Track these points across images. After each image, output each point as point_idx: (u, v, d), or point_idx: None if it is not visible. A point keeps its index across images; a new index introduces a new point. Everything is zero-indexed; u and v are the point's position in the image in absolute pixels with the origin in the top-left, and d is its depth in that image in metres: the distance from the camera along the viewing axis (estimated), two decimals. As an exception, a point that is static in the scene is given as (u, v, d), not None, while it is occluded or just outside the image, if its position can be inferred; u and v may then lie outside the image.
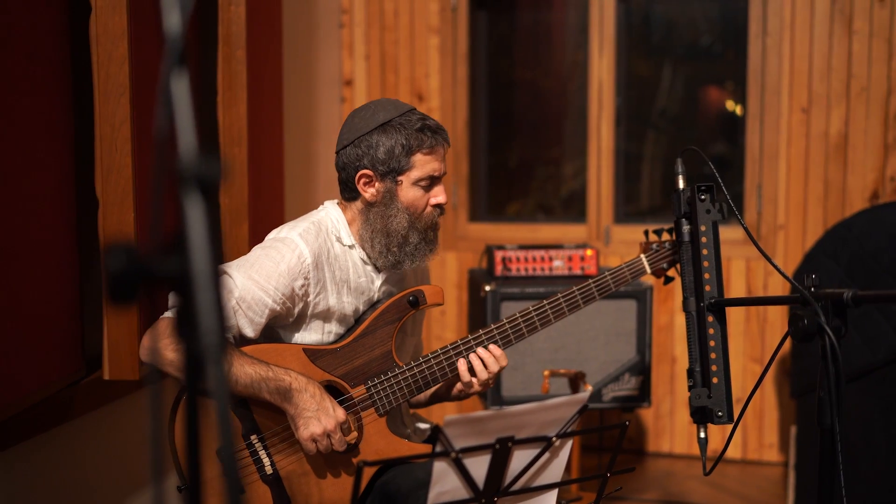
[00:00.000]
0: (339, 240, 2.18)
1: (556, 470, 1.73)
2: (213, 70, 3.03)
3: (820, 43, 4.06)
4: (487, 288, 3.19)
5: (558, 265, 3.30)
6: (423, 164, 2.17)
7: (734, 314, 4.16)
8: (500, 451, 1.60)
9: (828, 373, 1.66)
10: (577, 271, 3.31)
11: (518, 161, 4.88)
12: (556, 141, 4.82)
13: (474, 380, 2.23)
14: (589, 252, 3.36)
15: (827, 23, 4.05)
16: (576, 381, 2.89)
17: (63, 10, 2.39)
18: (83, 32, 2.40)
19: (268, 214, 3.48)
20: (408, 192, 2.17)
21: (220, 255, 0.71)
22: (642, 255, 2.45)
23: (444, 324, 4.45)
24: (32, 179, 2.29)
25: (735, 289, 4.17)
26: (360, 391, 2.15)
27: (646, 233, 2.52)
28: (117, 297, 0.70)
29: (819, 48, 4.06)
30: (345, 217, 2.22)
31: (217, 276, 0.70)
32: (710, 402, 2.14)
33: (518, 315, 2.31)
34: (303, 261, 2.08)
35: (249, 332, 2.07)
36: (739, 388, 4.15)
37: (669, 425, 4.27)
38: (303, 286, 2.09)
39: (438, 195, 2.22)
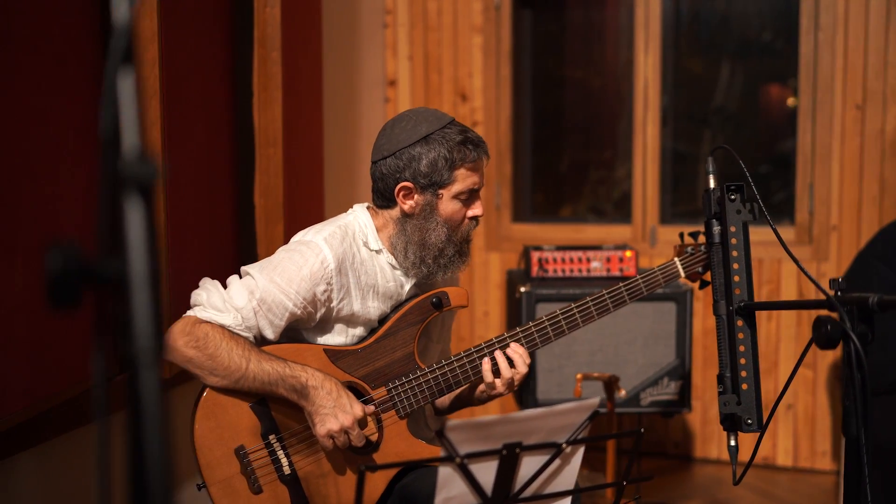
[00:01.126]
0: (366, 244, 2.17)
1: (568, 477, 1.69)
2: (249, 71, 3.05)
3: (875, 38, 3.92)
4: (522, 289, 3.15)
5: (596, 266, 3.24)
6: (464, 178, 2.14)
7: (785, 318, 4.04)
8: (508, 458, 1.57)
9: (853, 381, 1.58)
10: (616, 273, 3.25)
11: (570, 162, 4.82)
12: (609, 142, 4.74)
13: (498, 380, 2.19)
14: (628, 253, 3.29)
15: (882, 17, 3.91)
16: (610, 385, 2.83)
17: (96, 13, 2.43)
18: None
19: (306, 215, 3.50)
20: (447, 205, 2.15)
21: (157, 258, 0.70)
22: (676, 259, 2.39)
23: (487, 325, 4.42)
24: (65, 181, 2.33)
25: (787, 291, 4.06)
26: (381, 393, 2.14)
27: (681, 235, 2.45)
28: (57, 299, 0.69)
29: (875, 43, 3.92)
30: (374, 222, 2.20)
31: (155, 279, 0.68)
32: (740, 409, 2.07)
33: (545, 318, 2.27)
34: (326, 266, 2.07)
35: (269, 334, 2.07)
36: (791, 394, 4.04)
37: (717, 431, 4.17)
38: (325, 291, 2.08)
39: (477, 209, 2.19)
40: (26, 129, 2.20)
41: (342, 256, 2.10)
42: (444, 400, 2.37)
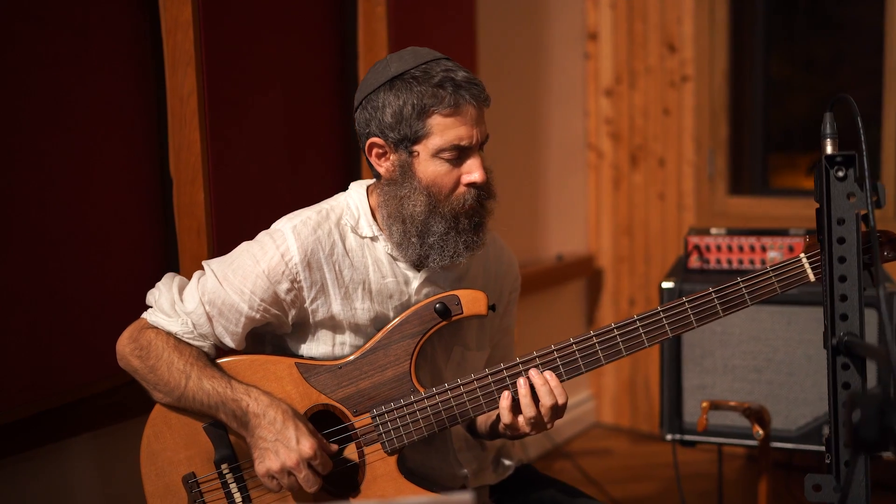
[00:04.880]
0: (354, 230, 1.75)
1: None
2: (354, 29, 2.71)
3: None
4: (664, 285, 2.51)
5: (774, 257, 2.51)
6: (443, 130, 1.66)
7: None
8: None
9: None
10: (800, 267, 2.48)
11: (808, 125, 3.92)
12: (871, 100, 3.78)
13: (520, 419, 1.68)
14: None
15: None
16: (753, 418, 2.14)
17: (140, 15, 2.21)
18: (153, -1, 2.21)
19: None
20: (427, 166, 1.68)
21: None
22: (803, 256, 1.70)
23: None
24: (109, 158, 2.16)
25: None
26: (365, 421, 1.72)
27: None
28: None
29: None
30: (369, 202, 1.77)
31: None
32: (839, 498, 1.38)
33: (592, 334, 1.70)
34: (288, 260, 1.68)
35: (229, 342, 1.73)
36: None
37: None
38: (290, 291, 1.70)
39: (472, 171, 1.69)
40: (41, 126, 2.04)
41: (312, 248, 1.69)
42: (482, 420, 1.89)
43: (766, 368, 2.46)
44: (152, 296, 1.75)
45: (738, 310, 1.70)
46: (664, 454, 3.62)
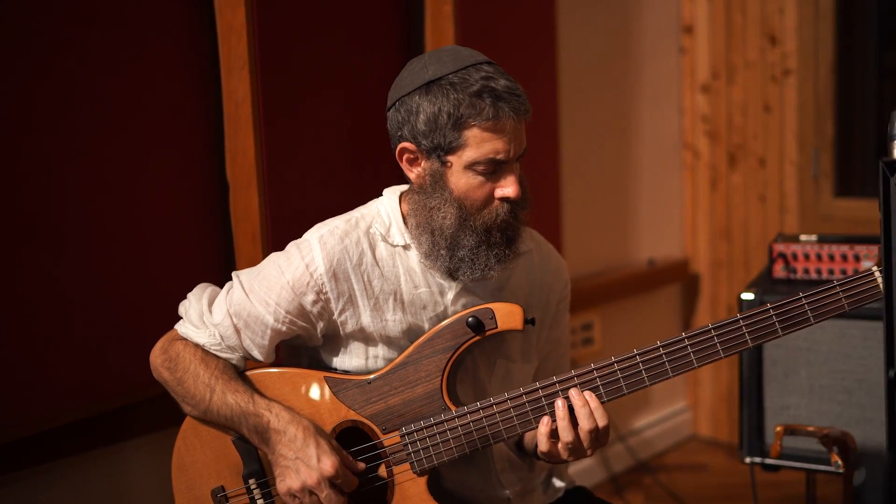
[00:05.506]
0: (385, 239, 1.68)
1: None
2: (421, 29, 2.64)
3: None
4: (744, 296, 2.34)
5: (867, 267, 2.28)
6: (479, 143, 1.57)
7: None
8: None
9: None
10: None
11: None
12: None
13: (559, 446, 1.57)
14: (921, 250, 2.27)
15: None
16: (832, 446, 1.93)
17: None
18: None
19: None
20: (459, 178, 1.59)
21: None
22: (875, 268, 1.54)
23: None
24: (168, 163, 2.18)
25: None
26: (394, 439, 1.64)
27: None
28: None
29: None
30: (402, 209, 1.70)
31: None
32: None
33: (636, 353, 1.58)
34: (312, 270, 1.63)
35: (257, 355, 1.69)
36: None
37: None
38: (316, 302, 1.64)
39: (506, 186, 1.60)
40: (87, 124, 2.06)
41: (338, 258, 1.63)
42: (529, 438, 1.77)
43: (857, 390, 2.25)
44: (183, 307, 1.73)
45: (800, 328, 1.55)
46: (764, 472, 3.40)
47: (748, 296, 2.33)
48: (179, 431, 1.72)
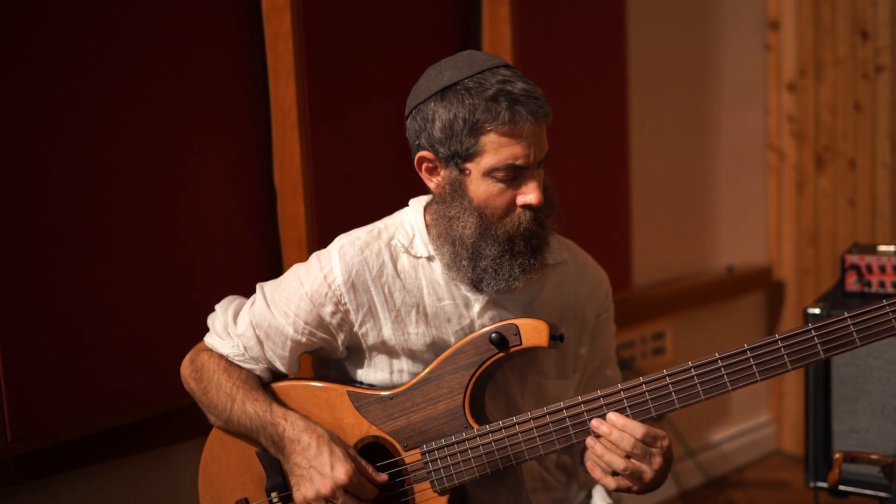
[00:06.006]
0: (408, 250, 1.64)
1: None
2: (478, 33, 2.59)
3: None
4: (810, 310, 2.19)
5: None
6: (496, 149, 1.51)
7: None
8: None
9: None
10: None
11: None
12: None
13: (597, 472, 1.50)
14: None
15: None
16: (892, 476, 1.79)
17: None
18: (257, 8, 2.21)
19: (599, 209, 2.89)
20: (479, 185, 1.55)
21: None
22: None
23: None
24: (217, 170, 2.19)
25: None
26: (415, 456, 1.60)
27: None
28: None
29: None
30: (425, 220, 1.66)
31: None
32: None
33: (665, 373, 1.50)
34: (331, 281, 1.60)
35: (280, 366, 1.68)
36: None
37: None
38: (335, 314, 1.61)
39: (528, 193, 1.54)
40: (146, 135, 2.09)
41: (357, 269, 1.60)
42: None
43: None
44: (210, 318, 1.73)
45: (845, 350, 1.43)
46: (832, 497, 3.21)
47: (815, 310, 2.19)
48: (206, 442, 1.72)
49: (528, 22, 2.58)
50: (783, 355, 1.45)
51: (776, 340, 1.45)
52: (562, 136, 2.72)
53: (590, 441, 1.50)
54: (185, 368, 1.71)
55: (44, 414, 1.94)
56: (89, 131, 2.00)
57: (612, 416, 1.49)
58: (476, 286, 1.59)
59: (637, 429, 1.48)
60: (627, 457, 1.47)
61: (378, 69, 2.34)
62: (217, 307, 1.73)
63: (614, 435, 1.48)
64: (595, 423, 1.49)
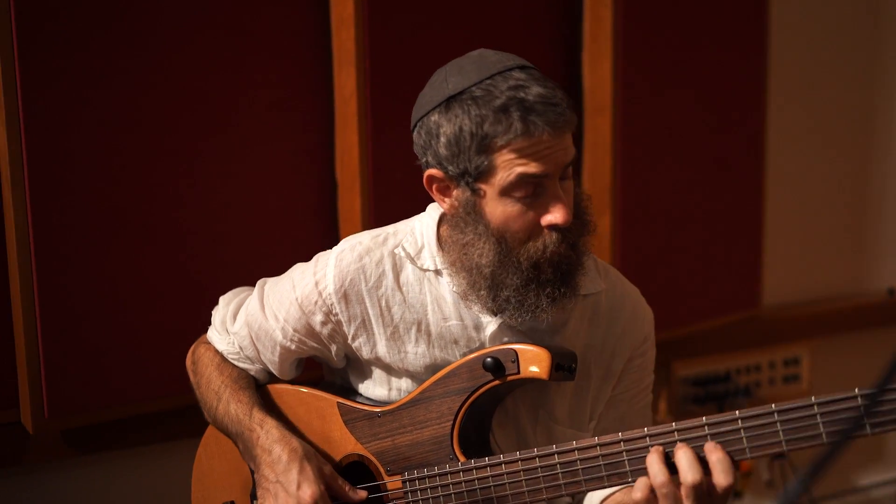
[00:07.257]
0: (414, 261, 1.47)
1: None
2: (580, 15, 2.37)
3: None
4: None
5: None
6: (510, 165, 1.32)
7: None
8: None
9: None
10: None
11: None
12: None
13: None
14: None
15: None
16: None
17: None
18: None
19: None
20: (495, 207, 1.36)
21: None
22: None
23: None
24: (277, 161, 2.13)
25: None
26: (396, 483, 1.45)
27: None
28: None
29: None
30: (439, 230, 1.48)
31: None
32: None
33: (740, 415, 1.24)
34: (322, 289, 1.46)
35: (273, 370, 1.57)
36: None
37: None
38: (326, 324, 1.48)
39: (553, 212, 1.34)
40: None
41: (352, 277, 1.46)
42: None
43: None
44: (214, 311, 1.65)
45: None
46: None
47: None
48: (202, 439, 1.66)
49: (633, 9, 2.33)
50: (819, 425, 1.17)
51: (812, 404, 1.18)
52: (677, 133, 2.46)
53: (654, 456, 1.25)
54: (188, 359, 1.66)
55: (82, 394, 1.95)
56: (150, 121, 1.98)
57: (713, 446, 1.23)
58: (500, 314, 1.41)
59: (697, 472, 1.22)
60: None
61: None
62: (221, 299, 1.66)
63: (718, 464, 1.21)
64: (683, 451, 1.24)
